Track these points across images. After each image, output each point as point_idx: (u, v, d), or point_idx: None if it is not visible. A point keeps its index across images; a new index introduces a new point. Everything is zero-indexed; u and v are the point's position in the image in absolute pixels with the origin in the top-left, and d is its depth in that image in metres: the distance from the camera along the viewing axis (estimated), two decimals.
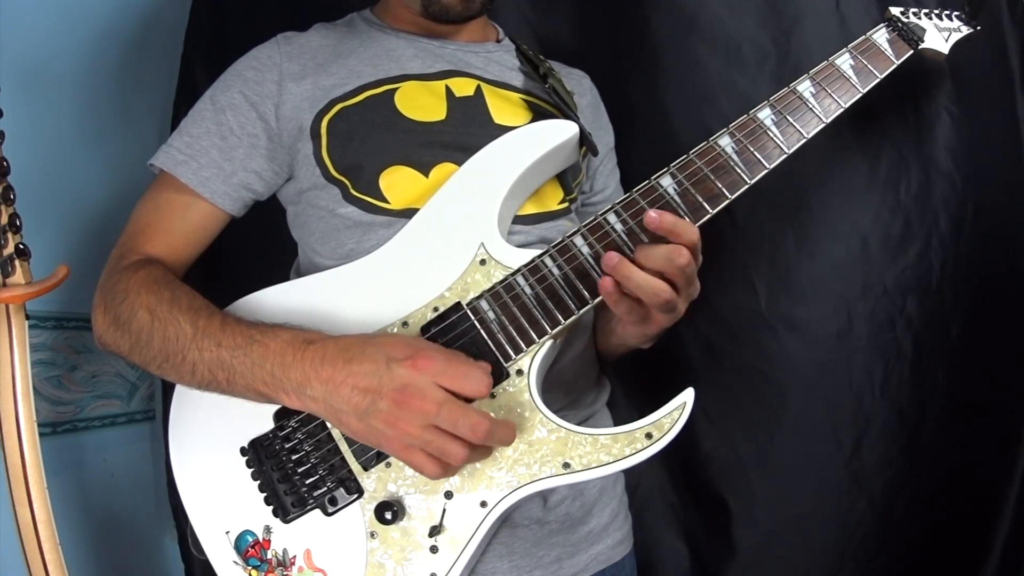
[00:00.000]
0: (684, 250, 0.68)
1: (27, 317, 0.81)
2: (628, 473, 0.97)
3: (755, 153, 0.77)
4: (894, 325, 1.01)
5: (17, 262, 0.79)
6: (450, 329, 0.74)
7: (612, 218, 0.76)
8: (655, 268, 0.69)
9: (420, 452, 0.65)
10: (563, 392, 0.84)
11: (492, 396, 0.72)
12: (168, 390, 0.82)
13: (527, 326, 0.73)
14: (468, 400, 0.66)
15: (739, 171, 0.76)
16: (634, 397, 1.13)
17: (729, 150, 0.78)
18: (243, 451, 0.76)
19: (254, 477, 0.75)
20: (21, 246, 0.80)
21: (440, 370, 0.65)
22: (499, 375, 0.71)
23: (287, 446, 0.74)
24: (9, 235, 0.79)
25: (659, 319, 0.73)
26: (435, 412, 0.63)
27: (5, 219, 0.79)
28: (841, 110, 0.82)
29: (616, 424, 0.80)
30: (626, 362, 1.06)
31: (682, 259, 0.68)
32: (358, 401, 0.65)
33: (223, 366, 0.71)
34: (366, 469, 0.72)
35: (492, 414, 0.71)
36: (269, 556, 0.73)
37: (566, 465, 0.68)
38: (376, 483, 0.72)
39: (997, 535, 0.96)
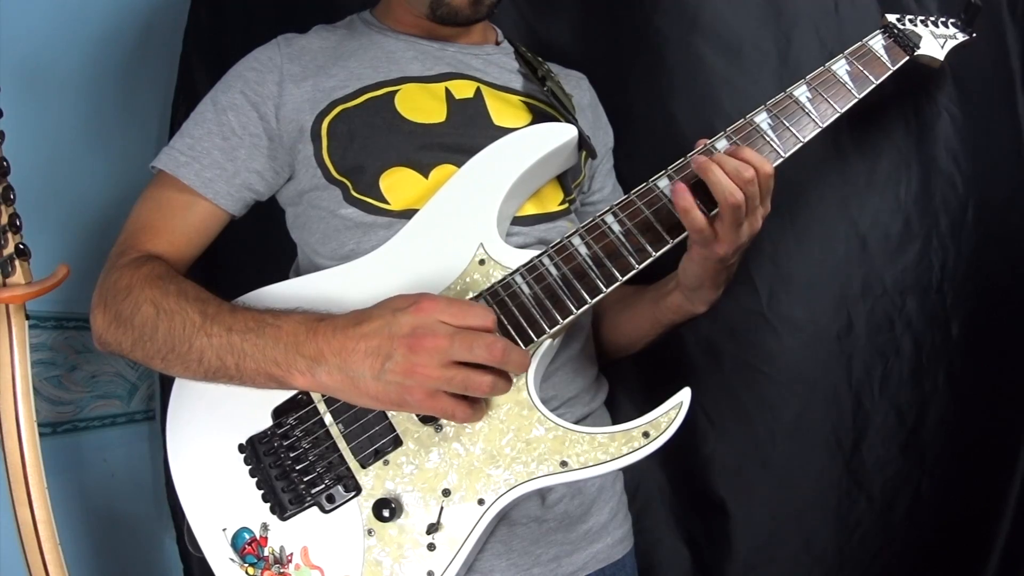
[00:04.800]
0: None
1: (27, 317, 0.81)
2: (628, 474, 0.98)
3: None
4: (893, 325, 1.01)
5: (17, 262, 0.79)
6: None
7: (610, 219, 0.77)
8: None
9: (446, 397, 0.66)
10: (561, 390, 0.84)
11: None
12: (167, 390, 0.82)
13: (525, 325, 0.73)
14: None
15: None
16: (634, 397, 1.12)
17: None
18: (241, 448, 0.76)
19: (252, 474, 0.75)
20: (21, 246, 0.80)
21: (444, 308, 0.66)
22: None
23: (285, 443, 0.75)
24: (9, 235, 0.79)
25: (725, 241, 0.75)
26: (448, 345, 0.64)
27: (5, 219, 0.79)
28: (837, 115, 0.82)
29: (615, 423, 0.80)
30: (626, 362, 1.07)
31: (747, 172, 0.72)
32: (372, 361, 0.65)
33: (233, 350, 0.70)
34: (364, 467, 0.73)
35: (491, 414, 0.72)
36: (266, 553, 0.73)
37: (563, 463, 0.68)
38: (374, 481, 0.72)
39: (998, 535, 0.96)
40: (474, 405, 0.68)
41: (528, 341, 0.72)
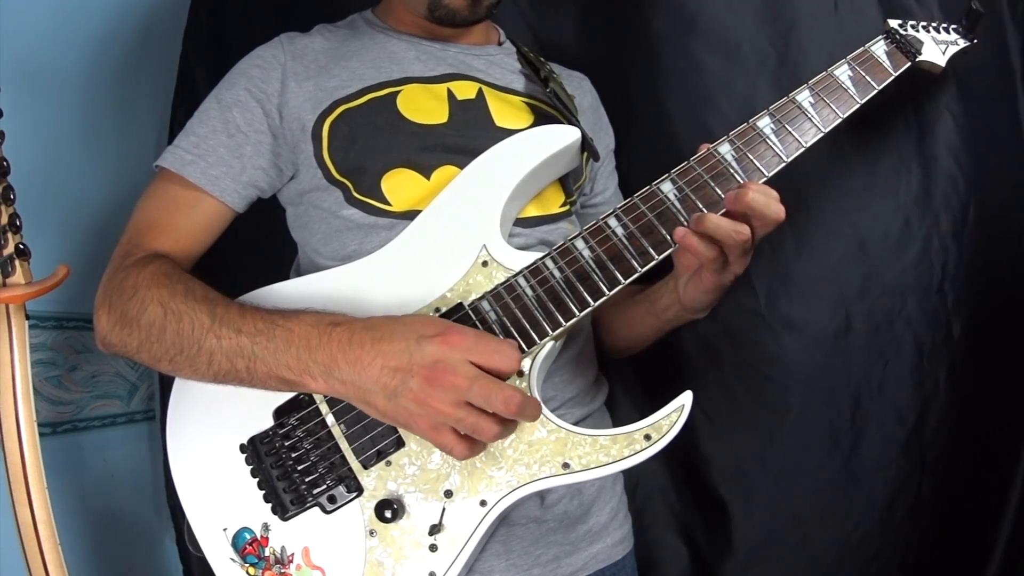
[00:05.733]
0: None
1: (27, 317, 0.81)
2: (627, 473, 0.97)
3: (754, 161, 0.79)
4: (893, 325, 1.01)
5: (17, 262, 0.79)
6: None
7: (613, 222, 0.77)
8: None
9: (449, 432, 0.66)
10: (561, 391, 0.85)
11: None
12: (167, 390, 0.82)
13: (528, 327, 0.73)
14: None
15: (738, 178, 0.78)
16: (634, 397, 1.13)
17: (729, 157, 0.79)
18: (242, 448, 0.76)
19: (253, 474, 0.75)
20: (21, 246, 0.79)
21: (471, 346, 0.65)
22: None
23: (287, 444, 0.74)
24: (9, 235, 0.79)
25: (736, 264, 0.77)
26: (467, 387, 0.63)
27: (5, 219, 0.79)
28: (839, 120, 0.83)
29: (615, 423, 0.80)
30: (626, 362, 1.07)
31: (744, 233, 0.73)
32: (387, 381, 0.65)
33: (243, 353, 0.70)
34: (366, 467, 0.73)
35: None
36: (267, 553, 0.73)
37: (565, 465, 0.68)
38: (376, 481, 0.72)
39: (999, 536, 0.96)
40: (473, 446, 0.67)
41: (531, 343, 0.72)
